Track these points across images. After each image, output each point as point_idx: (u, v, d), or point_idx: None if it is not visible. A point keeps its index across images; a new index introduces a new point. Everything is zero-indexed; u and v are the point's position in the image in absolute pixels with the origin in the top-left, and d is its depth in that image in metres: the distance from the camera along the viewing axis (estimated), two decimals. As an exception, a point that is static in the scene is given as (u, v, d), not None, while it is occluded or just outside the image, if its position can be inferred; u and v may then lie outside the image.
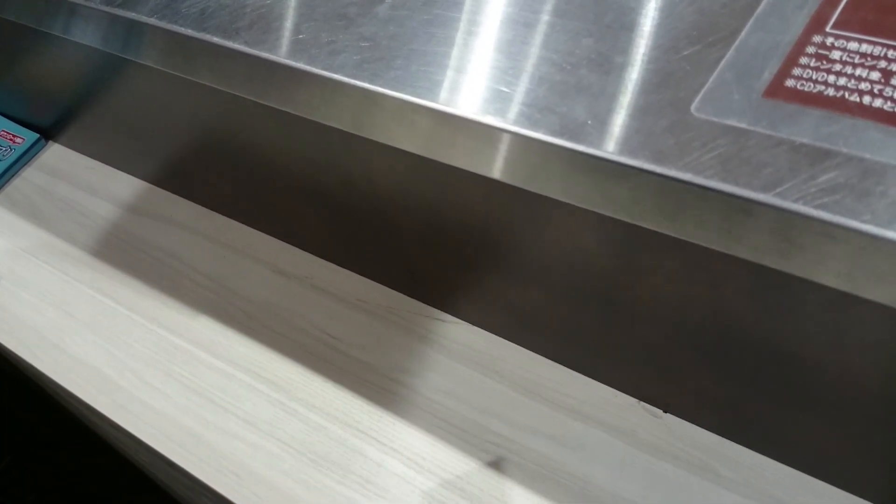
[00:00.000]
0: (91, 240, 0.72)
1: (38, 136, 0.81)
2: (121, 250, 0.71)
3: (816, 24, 0.33)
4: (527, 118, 0.34)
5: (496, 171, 0.37)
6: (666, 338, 0.46)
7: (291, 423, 0.57)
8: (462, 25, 0.39)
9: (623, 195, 0.32)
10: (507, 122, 0.34)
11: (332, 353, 0.60)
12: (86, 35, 0.50)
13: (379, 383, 0.58)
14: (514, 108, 0.34)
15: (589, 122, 0.33)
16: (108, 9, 0.47)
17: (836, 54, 0.32)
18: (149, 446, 0.58)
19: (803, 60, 0.32)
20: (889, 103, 0.30)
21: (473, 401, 0.56)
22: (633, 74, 0.34)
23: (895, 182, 0.28)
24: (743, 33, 0.34)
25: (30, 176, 0.79)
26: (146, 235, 0.71)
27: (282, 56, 0.40)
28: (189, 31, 0.43)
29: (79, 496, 1.01)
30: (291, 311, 0.63)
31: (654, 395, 0.53)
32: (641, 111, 0.33)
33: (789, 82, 0.32)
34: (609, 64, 0.35)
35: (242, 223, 0.70)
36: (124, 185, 0.76)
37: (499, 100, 0.35)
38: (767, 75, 0.32)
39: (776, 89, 0.32)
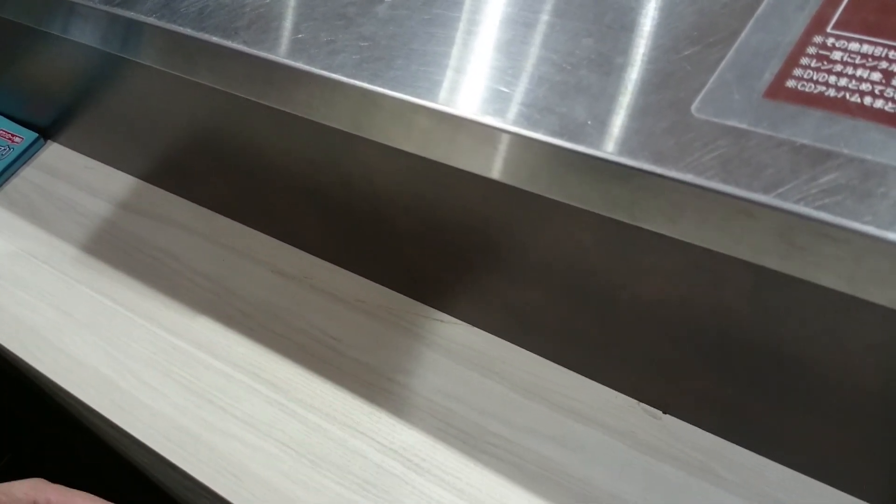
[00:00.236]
0: (90, 240, 0.72)
1: (36, 135, 0.81)
2: (120, 250, 0.71)
3: (817, 25, 0.33)
4: (526, 118, 0.34)
5: (496, 171, 0.36)
6: (666, 339, 0.46)
7: (290, 423, 0.57)
8: (462, 25, 0.39)
9: (623, 196, 0.32)
10: (506, 122, 0.34)
11: (332, 353, 0.60)
12: (84, 34, 0.50)
13: (378, 384, 0.58)
14: (514, 109, 0.34)
15: (589, 122, 0.33)
16: (106, 8, 0.46)
17: (837, 55, 0.32)
18: (147, 447, 0.57)
19: (804, 61, 0.32)
20: (890, 104, 0.30)
21: (473, 402, 0.56)
22: (634, 75, 0.34)
23: (896, 183, 0.28)
24: (743, 34, 0.34)
25: (28, 175, 0.79)
26: (145, 235, 0.71)
27: (281, 56, 0.40)
28: (188, 31, 0.43)
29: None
30: (290, 312, 0.63)
31: (654, 396, 0.53)
32: (641, 112, 0.32)
33: (790, 83, 0.32)
34: (609, 64, 0.35)
35: (241, 223, 0.70)
36: (123, 185, 0.76)
37: (498, 100, 0.35)
38: (768, 76, 0.32)
39: (777, 90, 0.31)
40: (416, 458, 0.54)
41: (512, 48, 0.37)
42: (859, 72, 0.31)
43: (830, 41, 0.32)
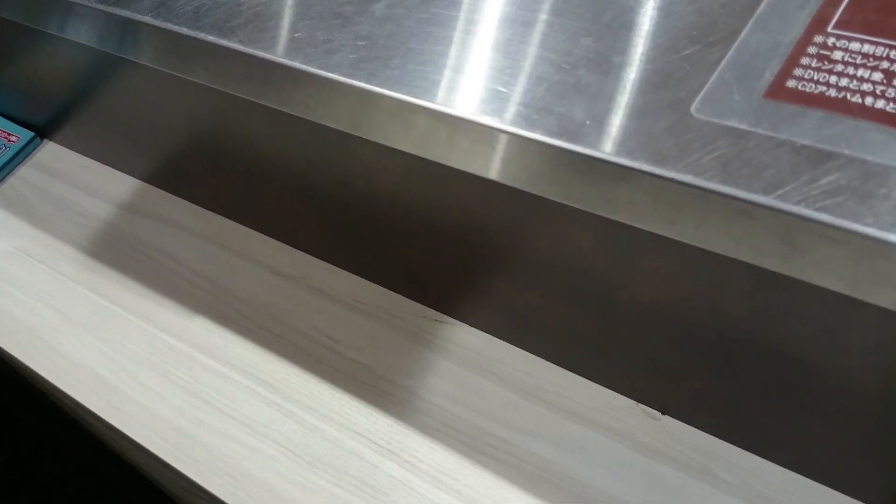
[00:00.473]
0: (87, 239, 0.72)
1: (33, 134, 0.81)
2: (117, 250, 0.70)
3: (818, 24, 0.32)
4: (524, 118, 0.34)
5: (493, 171, 0.36)
6: (665, 340, 0.46)
7: (287, 424, 0.56)
8: (460, 24, 0.39)
9: (621, 197, 0.32)
10: (504, 122, 0.34)
11: (329, 354, 0.60)
12: (80, 33, 0.50)
13: (376, 385, 0.58)
14: (512, 109, 0.34)
15: (587, 122, 0.33)
16: (102, 7, 0.46)
17: (837, 55, 0.31)
18: (144, 448, 0.57)
19: (804, 61, 0.32)
20: (892, 104, 0.30)
21: (471, 403, 0.56)
22: (632, 74, 0.34)
23: (898, 184, 0.27)
24: (743, 33, 0.33)
25: (25, 174, 0.79)
26: (142, 235, 0.71)
27: (277, 55, 0.40)
28: (183, 30, 0.42)
29: (75, 496, 1.01)
30: (288, 312, 0.63)
31: (653, 397, 0.53)
32: (640, 112, 0.32)
33: (790, 83, 0.31)
34: (608, 64, 0.34)
35: (239, 223, 0.70)
36: (120, 185, 0.76)
37: (496, 100, 0.35)
38: (768, 76, 0.32)
39: (777, 90, 0.31)
40: (413, 460, 0.54)
41: (510, 47, 0.37)
42: (860, 72, 0.31)
43: (831, 41, 0.32)
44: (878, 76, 0.30)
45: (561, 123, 0.33)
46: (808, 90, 0.31)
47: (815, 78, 0.31)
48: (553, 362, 0.56)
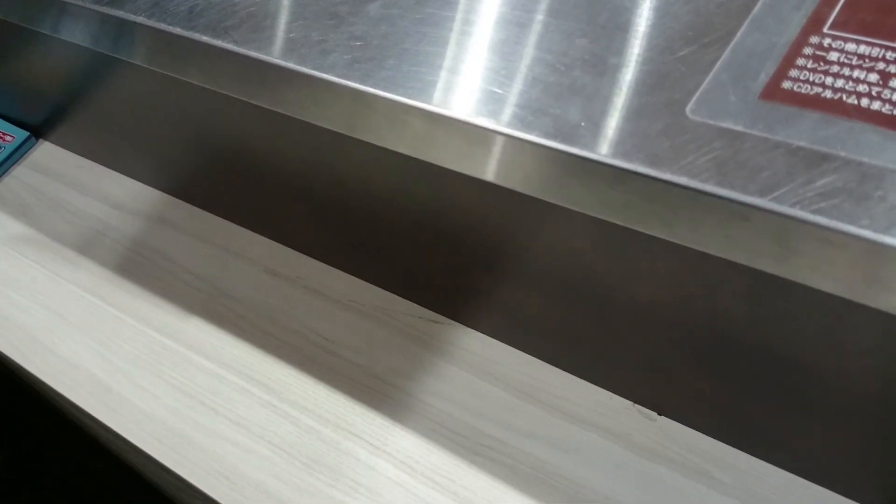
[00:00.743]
0: (81, 239, 0.71)
1: (28, 134, 0.81)
2: (111, 250, 0.70)
3: (813, 25, 0.32)
4: (520, 120, 0.33)
5: (489, 173, 0.36)
6: (661, 341, 0.46)
7: (283, 425, 0.56)
8: (455, 25, 0.38)
9: (617, 199, 0.32)
10: (499, 123, 0.34)
11: (325, 354, 0.60)
12: (74, 33, 0.49)
13: (372, 385, 0.58)
14: (507, 110, 0.34)
15: (582, 124, 0.32)
16: (96, 7, 0.46)
17: (833, 56, 0.31)
18: (139, 449, 0.57)
19: (800, 62, 0.32)
20: (887, 106, 0.29)
21: (467, 403, 0.56)
22: (628, 76, 0.33)
23: (894, 186, 0.27)
24: (739, 34, 0.33)
25: (20, 174, 0.79)
26: (137, 235, 0.71)
27: (271, 55, 0.40)
28: (177, 30, 0.42)
29: (73, 496, 1.01)
30: (283, 313, 0.63)
31: (649, 398, 0.53)
32: (636, 113, 0.32)
33: (786, 84, 0.31)
34: (603, 65, 0.34)
35: (234, 223, 0.70)
36: (115, 185, 0.76)
37: (491, 101, 0.34)
38: (764, 77, 0.32)
39: (773, 91, 0.31)
40: (409, 461, 0.53)
41: (505, 48, 0.36)
42: (856, 73, 0.31)
43: (827, 42, 0.32)
44: (874, 77, 0.30)
45: (556, 125, 0.33)
46: (803, 91, 0.31)
47: (811, 79, 0.31)
48: (549, 363, 0.56)
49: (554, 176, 0.33)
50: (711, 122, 0.31)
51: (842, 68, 0.31)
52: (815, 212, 0.27)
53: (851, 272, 0.28)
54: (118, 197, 0.75)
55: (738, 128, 0.30)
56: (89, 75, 0.64)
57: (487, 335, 0.59)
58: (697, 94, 0.32)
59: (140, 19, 0.44)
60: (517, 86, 0.35)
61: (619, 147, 0.31)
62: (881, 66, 0.30)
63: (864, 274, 0.28)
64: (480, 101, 0.35)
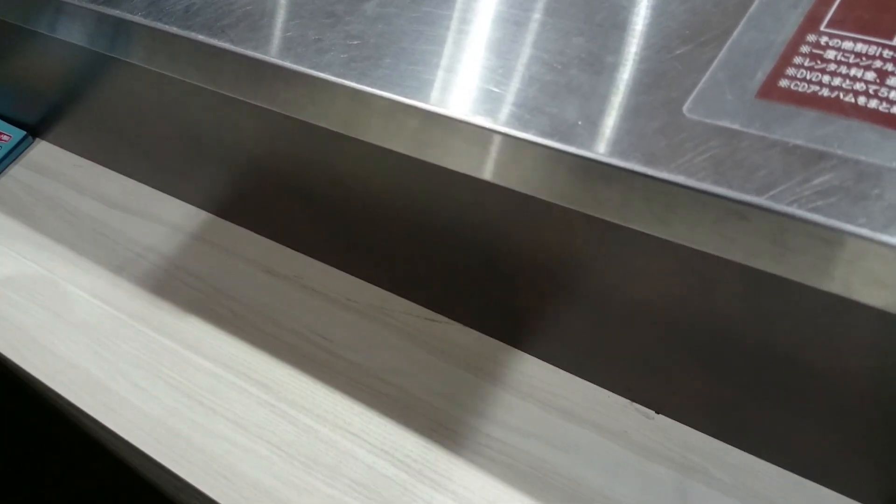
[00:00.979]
0: (79, 238, 0.71)
1: (24, 133, 0.81)
2: (109, 249, 0.70)
3: (810, 24, 0.32)
4: (517, 119, 0.33)
5: (485, 171, 0.36)
6: (658, 339, 0.46)
7: (281, 424, 0.56)
8: (451, 24, 0.38)
9: (614, 197, 0.32)
10: (496, 122, 0.34)
11: (322, 353, 0.60)
12: (71, 32, 0.49)
13: (369, 384, 0.58)
14: (504, 109, 0.34)
15: (579, 122, 0.32)
16: (93, 6, 0.46)
17: (830, 54, 0.31)
18: (137, 448, 0.57)
19: (797, 60, 0.32)
20: (884, 104, 0.29)
21: (465, 402, 0.56)
22: (625, 74, 0.33)
23: (891, 185, 0.27)
24: (736, 32, 0.33)
25: (17, 174, 0.78)
26: (134, 234, 0.71)
27: (268, 54, 0.40)
28: (174, 29, 0.42)
29: (70, 495, 1.01)
30: (281, 312, 0.63)
31: (647, 396, 0.53)
32: (633, 112, 0.32)
33: (783, 82, 0.31)
34: (600, 64, 0.34)
35: (232, 222, 0.70)
36: (112, 183, 0.76)
37: (488, 100, 0.34)
38: (761, 75, 0.32)
39: (770, 90, 0.31)
40: (407, 459, 0.53)
41: (502, 47, 0.36)
42: (853, 71, 0.31)
43: (824, 40, 0.32)
44: (870, 75, 0.30)
45: (553, 124, 0.33)
46: (800, 90, 0.31)
47: (808, 77, 0.31)
48: (547, 361, 0.56)
49: (551, 175, 0.33)
50: (708, 120, 0.31)
51: (839, 66, 0.31)
52: (812, 210, 0.27)
53: (848, 270, 0.28)
54: (115, 196, 0.75)
55: (735, 126, 0.30)
56: (86, 74, 0.64)
57: (486, 334, 0.59)
58: (694, 92, 0.32)
59: (136, 18, 0.44)
60: (514, 84, 0.35)
61: (616, 146, 0.31)
62: (878, 64, 0.30)
63: (860, 272, 0.28)
64: (477, 100, 0.35)
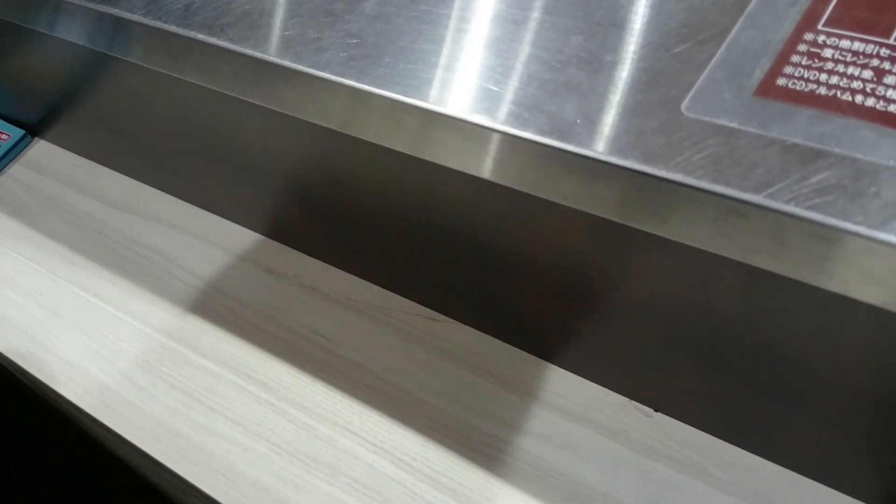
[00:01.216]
0: (78, 237, 0.71)
1: (23, 132, 0.81)
2: (108, 248, 0.70)
3: (808, 22, 0.32)
4: (516, 117, 0.33)
5: (485, 170, 0.36)
6: (657, 337, 0.46)
7: (280, 423, 0.56)
8: (450, 22, 0.38)
9: (612, 196, 0.32)
10: (495, 121, 0.34)
11: (322, 352, 0.60)
12: (70, 31, 0.49)
13: (369, 383, 0.58)
14: (503, 107, 0.34)
15: (578, 121, 0.32)
16: (92, 5, 0.46)
17: (828, 52, 0.31)
18: (136, 447, 0.57)
19: (795, 59, 0.32)
20: (882, 102, 0.29)
21: (464, 400, 0.56)
22: (623, 73, 0.33)
23: (888, 183, 0.27)
24: (734, 31, 0.33)
25: (15, 173, 0.79)
26: (134, 233, 0.71)
27: (267, 53, 0.40)
28: (173, 28, 0.42)
29: (69, 494, 1.01)
30: (281, 311, 0.63)
31: (646, 394, 0.53)
32: (631, 110, 0.32)
33: (781, 81, 0.31)
34: (599, 62, 0.34)
35: (231, 221, 0.70)
36: (111, 182, 0.76)
37: (487, 98, 0.35)
38: (759, 74, 0.32)
39: (767, 88, 0.31)
40: (406, 458, 0.54)
41: (501, 46, 0.36)
42: (850, 69, 0.31)
43: (821, 38, 0.32)
44: (868, 74, 0.30)
45: (552, 122, 0.33)
46: (798, 88, 0.31)
47: (806, 76, 0.31)
48: (546, 360, 0.56)
49: (549, 173, 0.33)
50: (706, 119, 0.31)
51: (836, 65, 0.31)
52: (809, 208, 0.28)
53: (846, 268, 0.28)
54: (114, 195, 0.75)
55: (733, 125, 0.31)
56: (85, 73, 0.64)
57: (484, 332, 0.59)
58: (693, 91, 0.32)
59: (136, 17, 0.44)
60: (513, 83, 0.35)
61: (615, 144, 0.31)
62: (875, 62, 0.30)
63: (858, 270, 0.28)
64: (476, 99, 0.35)
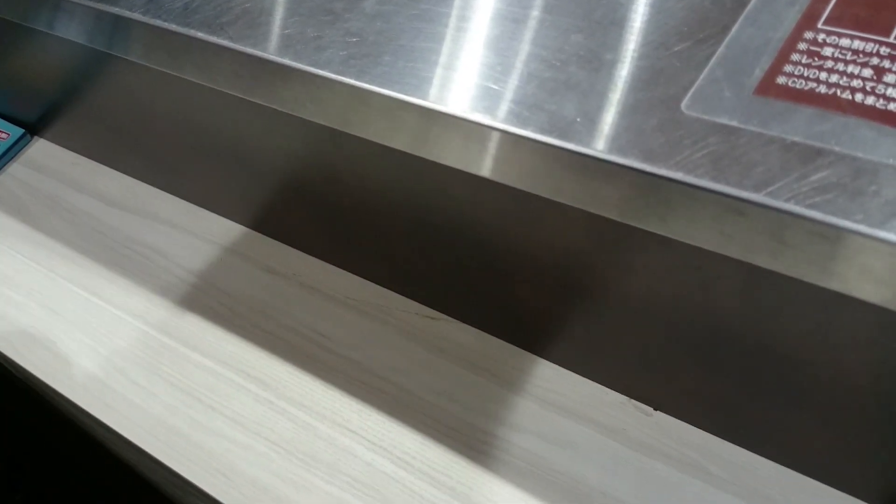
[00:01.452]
0: (77, 236, 0.71)
1: (23, 131, 0.81)
2: (107, 247, 0.70)
3: (808, 21, 0.32)
4: (515, 116, 0.33)
5: (484, 168, 0.36)
6: (656, 336, 0.46)
7: (280, 422, 0.56)
8: (450, 21, 0.38)
9: (612, 194, 0.32)
10: (495, 119, 0.34)
11: (321, 351, 0.60)
12: (70, 30, 0.49)
13: (368, 381, 0.58)
14: (503, 106, 0.34)
15: (578, 119, 0.32)
16: (92, 4, 0.46)
17: (827, 51, 0.31)
18: (136, 446, 0.57)
19: (795, 57, 0.32)
20: (881, 101, 0.30)
21: (463, 399, 0.56)
22: (623, 71, 0.33)
23: (888, 181, 0.27)
24: (734, 29, 0.33)
25: (15, 171, 0.78)
26: (133, 232, 0.71)
27: (267, 52, 0.40)
28: (173, 27, 0.42)
29: (68, 493, 1.01)
30: (280, 310, 0.63)
31: (645, 393, 0.53)
32: (631, 109, 0.32)
33: (780, 79, 0.31)
34: (598, 61, 0.34)
35: (230, 220, 0.70)
36: (110, 181, 0.76)
37: (487, 97, 0.35)
38: (758, 72, 0.32)
39: (767, 86, 0.31)
40: (405, 456, 0.54)
41: (501, 44, 0.36)
42: (850, 68, 0.31)
43: (821, 37, 0.32)
44: (867, 72, 0.30)
45: (552, 120, 0.33)
46: (798, 87, 0.31)
47: (806, 74, 0.31)
48: (545, 358, 0.56)
49: (549, 171, 0.33)
50: (706, 117, 0.31)
51: (836, 63, 0.31)
52: (809, 206, 0.28)
53: (846, 267, 0.28)
54: (114, 194, 0.75)
55: (733, 123, 0.31)
56: (84, 72, 0.64)
57: (484, 331, 0.59)
58: (692, 89, 0.32)
59: (135, 16, 0.44)
60: (513, 82, 0.35)
61: (615, 142, 0.31)
62: (875, 61, 0.30)
63: (858, 268, 0.28)
64: (476, 98, 0.35)
